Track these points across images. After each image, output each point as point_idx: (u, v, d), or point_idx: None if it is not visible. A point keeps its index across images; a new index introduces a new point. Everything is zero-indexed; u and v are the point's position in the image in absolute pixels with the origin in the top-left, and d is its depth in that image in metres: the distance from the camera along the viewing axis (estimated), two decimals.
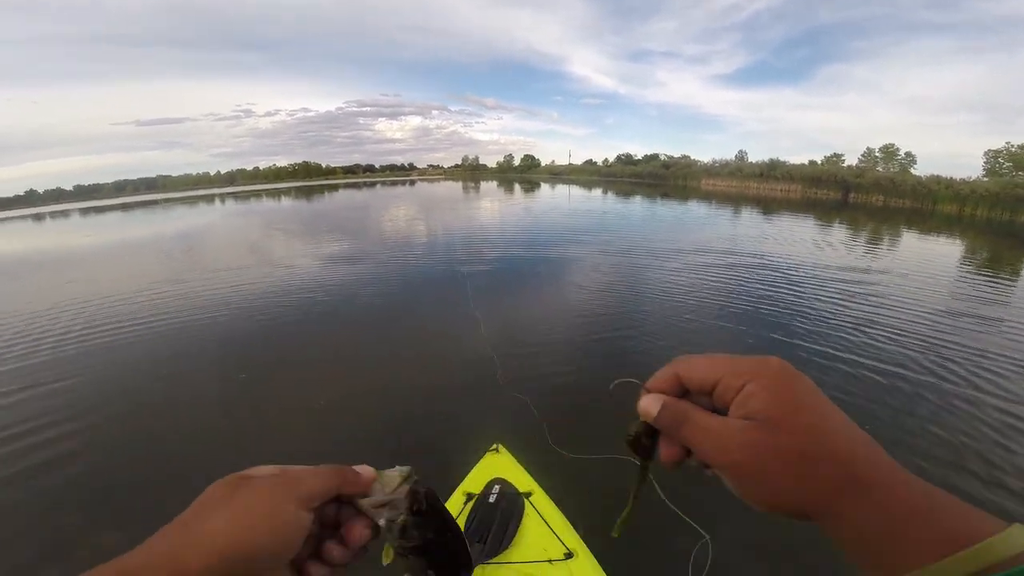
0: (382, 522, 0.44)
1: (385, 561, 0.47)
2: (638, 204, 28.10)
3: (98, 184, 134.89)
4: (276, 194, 52.51)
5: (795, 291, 7.78)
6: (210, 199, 51.84)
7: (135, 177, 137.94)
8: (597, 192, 39.87)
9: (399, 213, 23.84)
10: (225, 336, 6.13)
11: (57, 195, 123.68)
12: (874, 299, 7.40)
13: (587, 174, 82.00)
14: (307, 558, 0.42)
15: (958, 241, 16.60)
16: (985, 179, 36.66)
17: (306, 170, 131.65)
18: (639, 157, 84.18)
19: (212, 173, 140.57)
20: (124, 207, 49.87)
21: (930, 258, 11.98)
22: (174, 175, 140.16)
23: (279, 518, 0.37)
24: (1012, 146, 39.57)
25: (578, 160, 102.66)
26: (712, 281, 8.39)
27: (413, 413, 4.06)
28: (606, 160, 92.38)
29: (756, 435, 0.35)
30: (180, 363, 5.33)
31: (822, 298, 7.41)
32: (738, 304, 7.02)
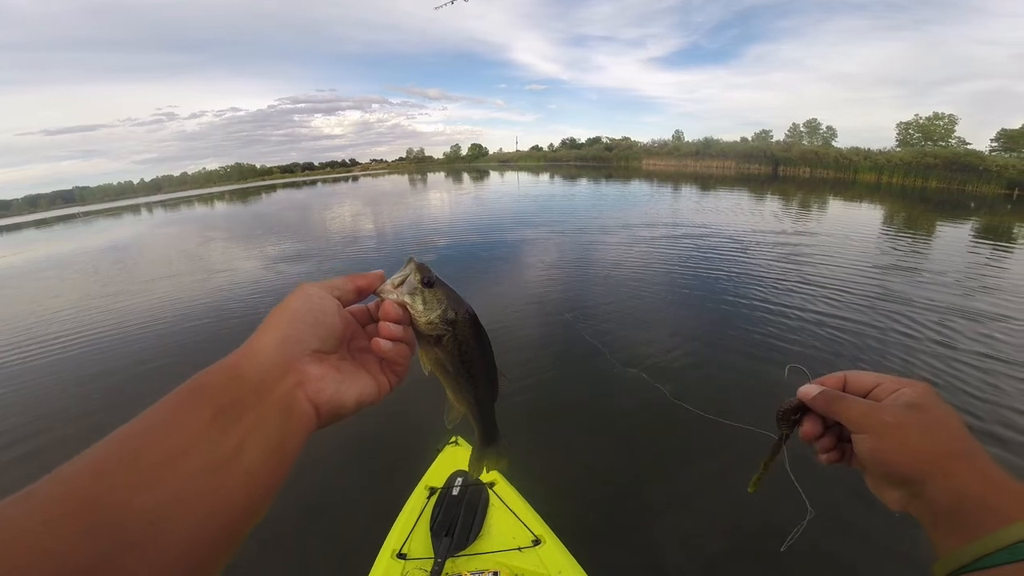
0: (406, 298, 0.52)
1: (425, 369, 0.59)
2: (584, 187, 28.49)
3: (5, 200, 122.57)
4: (208, 199, 49.47)
5: (739, 256, 8.13)
6: (135, 209, 48.21)
7: (50, 191, 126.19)
8: (545, 177, 40.10)
9: (342, 211, 23.04)
10: (161, 346, 5.71)
11: None
12: (811, 259, 7.86)
13: (534, 160, 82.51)
14: (360, 349, 0.53)
15: (878, 206, 17.90)
16: (898, 149, 39.70)
17: (240, 172, 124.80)
18: (583, 141, 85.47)
19: (136, 181, 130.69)
20: (39, 223, 45.57)
21: (858, 222, 12.86)
22: (92, 186, 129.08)
23: (311, 301, 0.46)
24: (920, 118, 43.04)
25: (525, 146, 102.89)
26: (667, 254, 8.62)
27: (364, 412, 3.92)
28: (551, 145, 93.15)
29: (903, 408, 0.48)
30: (113, 378, 4.92)
31: (763, 260, 7.80)
32: (689, 273, 7.26)
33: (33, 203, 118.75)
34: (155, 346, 5.83)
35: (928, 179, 31.56)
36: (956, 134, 41.31)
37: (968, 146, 38.17)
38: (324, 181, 70.37)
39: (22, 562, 0.24)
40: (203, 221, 25.31)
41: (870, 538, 2.45)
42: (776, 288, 6.57)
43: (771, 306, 5.85)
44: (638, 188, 27.06)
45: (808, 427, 0.56)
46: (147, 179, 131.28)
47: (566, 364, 4.58)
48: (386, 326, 0.51)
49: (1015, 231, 12.44)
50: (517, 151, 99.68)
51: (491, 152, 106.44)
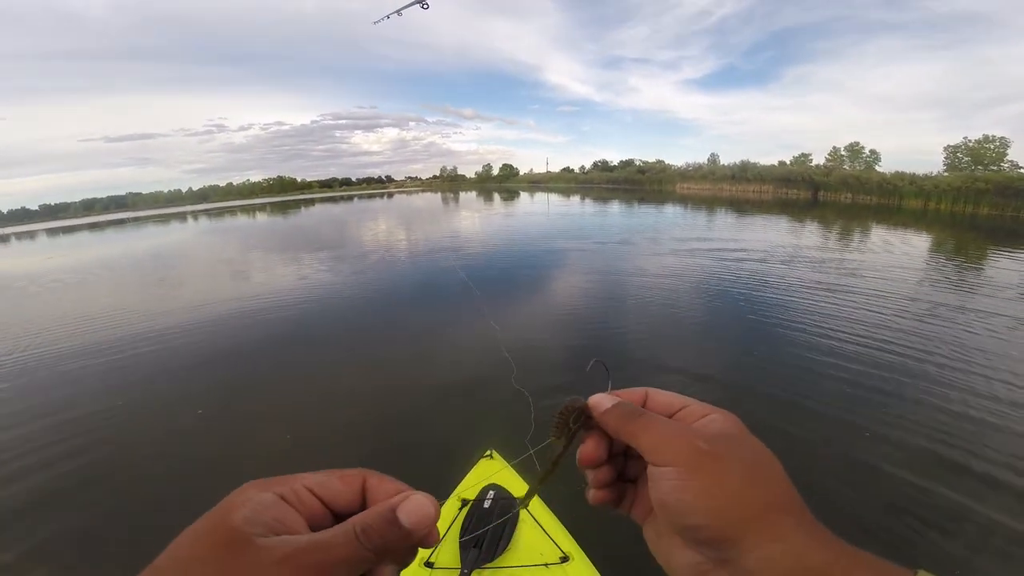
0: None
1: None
2: (616, 210, 28.44)
3: (64, 203, 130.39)
4: (250, 210, 51.64)
5: (772, 286, 7.96)
6: (182, 217, 50.72)
7: (105, 196, 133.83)
8: (575, 199, 40.21)
9: (376, 226, 23.66)
10: (205, 354, 5.99)
11: (21, 215, 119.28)
12: (849, 291, 7.62)
13: (565, 181, 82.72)
14: None
15: (924, 235, 17.20)
16: (946, 174, 38.13)
17: (281, 185, 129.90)
18: (615, 163, 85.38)
19: (184, 190, 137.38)
20: (92, 227, 48.44)
21: (909, 252, 12.40)
22: (144, 192, 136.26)
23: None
24: (969, 141, 41.31)
25: (555, 167, 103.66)
26: (703, 281, 8.53)
27: (401, 423, 4.02)
28: (583, 167, 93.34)
29: (720, 439, 0.36)
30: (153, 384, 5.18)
31: (797, 289, 7.61)
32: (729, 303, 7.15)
33: (89, 207, 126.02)
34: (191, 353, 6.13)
35: (979, 205, 30.15)
36: (1008, 157, 39.39)
37: (1022, 170, 36.39)
38: (360, 197, 72.45)
39: None
40: (240, 232, 26.39)
41: None
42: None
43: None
44: (670, 212, 26.81)
45: (590, 447, 0.42)
46: (195, 188, 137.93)
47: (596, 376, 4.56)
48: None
49: None
50: (548, 172, 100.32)
51: (522, 172, 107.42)
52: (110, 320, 7.95)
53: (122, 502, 3.27)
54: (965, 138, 41.76)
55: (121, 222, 52.18)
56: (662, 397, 0.42)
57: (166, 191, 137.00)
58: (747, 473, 0.34)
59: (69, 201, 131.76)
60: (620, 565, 2.28)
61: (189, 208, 79.69)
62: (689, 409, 0.40)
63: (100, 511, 3.20)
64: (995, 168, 37.88)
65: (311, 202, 65.32)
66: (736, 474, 0.33)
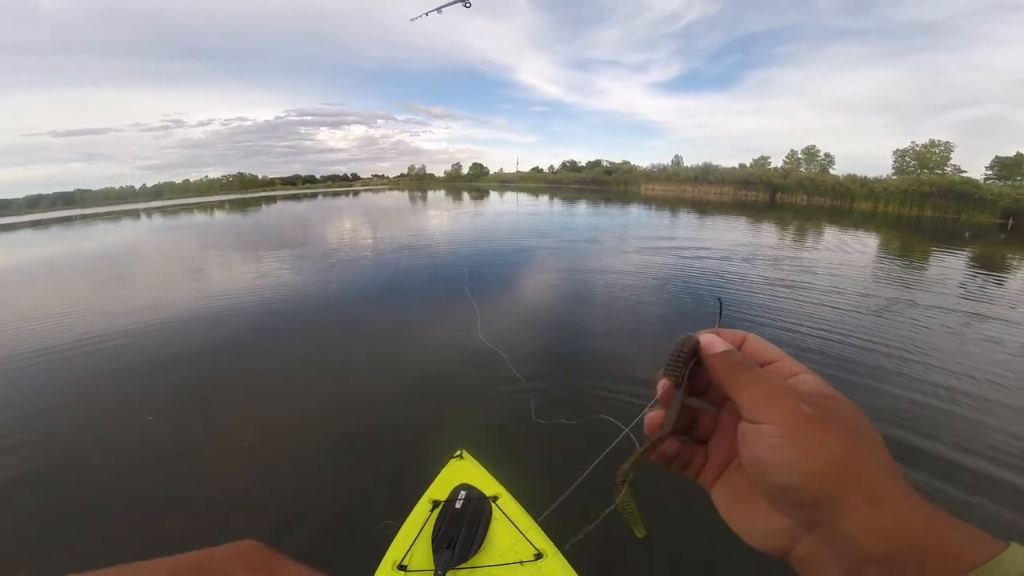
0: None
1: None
2: (583, 210, 28.75)
3: (5, 200, 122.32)
4: (208, 208, 49.68)
5: (734, 282, 8.21)
6: (134, 214, 48.32)
7: (51, 192, 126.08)
8: (544, 199, 40.42)
9: (341, 224, 23.15)
10: (147, 357, 5.69)
11: None
12: (804, 285, 7.94)
13: (534, 181, 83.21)
14: None
15: (873, 235, 18.10)
16: (895, 177, 40.30)
17: (241, 182, 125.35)
18: (583, 163, 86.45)
19: (137, 186, 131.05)
20: (35, 224, 45.60)
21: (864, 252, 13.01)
22: (94, 189, 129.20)
23: None
24: (917, 145, 43.80)
25: (526, 167, 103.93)
26: (667, 277, 8.70)
27: (369, 424, 3.92)
28: (552, 167, 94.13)
29: (817, 402, 0.35)
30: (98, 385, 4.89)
31: (756, 285, 7.88)
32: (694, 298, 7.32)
33: (33, 203, 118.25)
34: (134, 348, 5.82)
35: (924, 208, 31.99)
36: (952, 162, 42.00)
37: (964, 174, 38.83)
38: (325, 195, 70.77)
39: None
40: (188, 230, 25.35)
41: None
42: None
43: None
44: (636, 213, 27.31)
45: (658, 421, 0.41)
46: (149, 185, 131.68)
47: (572, 375, 4.59)
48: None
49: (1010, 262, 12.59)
50: (518, 172, 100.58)
51: (492, 172, 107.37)
52: (49, 322, 7.47)
53: (52, 510, 3.06)
54: (913, 142, 44.32)
55: (69, 219, 49.32)
56: (760, 344, 0.41)
57: (117, 187, 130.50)
58: (848, 436, 0.33)
59: (11, 198, 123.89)
60: (593, 560, 2.30)
61: (142, 205, 75.84)
62: (782, 364, 0.39)
63: (24, 518, 2.99)
64: (939, 172, 40.30)
65: (273, 199, 63.39)
66: (836, 435, 0.32)
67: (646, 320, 6.51)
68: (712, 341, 0.40)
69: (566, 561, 1.76)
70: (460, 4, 11.48)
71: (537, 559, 1.74)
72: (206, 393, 4.74)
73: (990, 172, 38.29)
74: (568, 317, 6.68)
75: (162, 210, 52.86)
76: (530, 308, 7.22)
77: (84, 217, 51.79)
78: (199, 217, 36.36)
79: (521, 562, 1.73)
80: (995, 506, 2.87)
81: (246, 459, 3.54)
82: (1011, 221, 26.35)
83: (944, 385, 4.47)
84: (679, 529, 2.58)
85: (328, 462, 3.44)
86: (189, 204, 63.78)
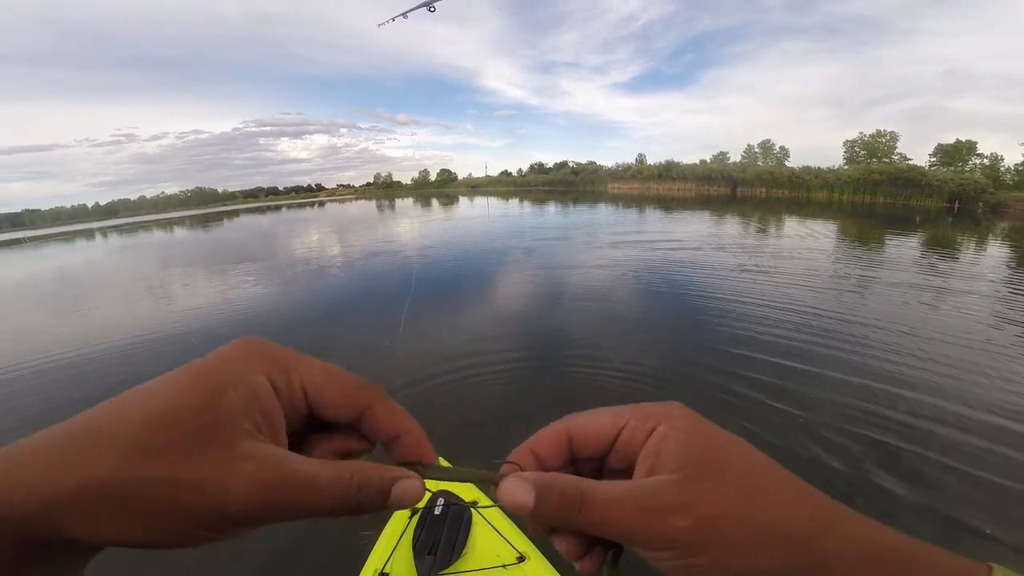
0: None
1: None
2: (553, 210, 29.00)
3: None
4: (167, 224, 47.96)
5: (700, 273, 8.38)
6: (89, 234, 46.23)
7: None
8: (514, 202, 40.59)
9: (308, 237, 22.69)
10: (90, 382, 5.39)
11: None
12: (768, 274, 8.17)
13: (504, 185, 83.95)
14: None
15: (831, 223, 18.83)
16: (846, 167, 42.17)
17: (200, 196, 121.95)
18: (550, 165, 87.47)
19: (90, 205, 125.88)
20: None
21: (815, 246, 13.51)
22: (43, 209, 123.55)
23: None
24: (864, 135, 46.00)
25: (494, 171, 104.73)
26: (639, 271, 8.80)
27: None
28: (520, 170, 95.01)
29: (694, 489, 0.27)
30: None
31: (721, 276, 8.06)
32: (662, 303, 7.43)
33: None
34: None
35: (876, 195, 33.56)
36: (898, 150, 44.31)
37: (910, 161, 40.98)
38: (289, 207, 69.35)
39: None
40: (158, 247, 24.43)
41: None
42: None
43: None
44: (604, 211, 27.69)
45: (568, 545, 0.32)
46: (102, 203, 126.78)
47: (545, 373, 4.55)
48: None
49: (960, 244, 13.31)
50: (487, 176, 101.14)
51: (460, 177, 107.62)
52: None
53: None
54: (861, 133, 46.55)
55: (17, 242, 46.83)
56: (589, 426, 0.33)
57: (69, 206, 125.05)
58: (751, 510, 0.27)
59: None
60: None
61: (97, 224, 72.80)
62: (628, 429, 0.31)
63: None
64: (887, 160, 42.37)
65: (235, 214, 61.68)
66: (741, 522, 0.26)
67: (618, 311, 6.55)
68: (512, 495, 0.29)
69: (549, 563, 1.75)
70: (425, 8, 11.46)
71: (520, 562, 1.72)
72: None
73: (934, 159, 40.55)
74: (542, 314, 6.67)
75: (119, 228, 50.85)
76: (503, 312, 7.18)
77: (35, 239, 49.29)
78: (159, 235, 35.07)
79: (504, 565, 1.71)
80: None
81: None
82: (957, 205, 27.92)
83: (905, 346, 4.69)
84: None
85: None
86: (147, 221, 61.54)
